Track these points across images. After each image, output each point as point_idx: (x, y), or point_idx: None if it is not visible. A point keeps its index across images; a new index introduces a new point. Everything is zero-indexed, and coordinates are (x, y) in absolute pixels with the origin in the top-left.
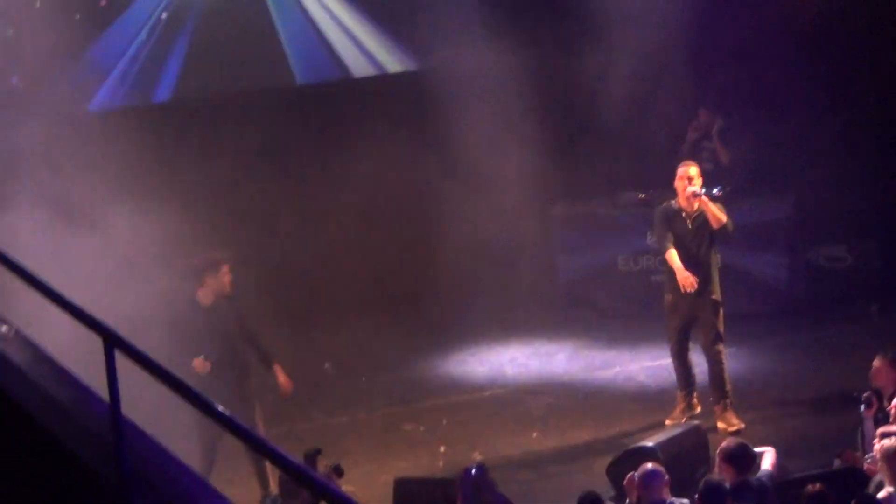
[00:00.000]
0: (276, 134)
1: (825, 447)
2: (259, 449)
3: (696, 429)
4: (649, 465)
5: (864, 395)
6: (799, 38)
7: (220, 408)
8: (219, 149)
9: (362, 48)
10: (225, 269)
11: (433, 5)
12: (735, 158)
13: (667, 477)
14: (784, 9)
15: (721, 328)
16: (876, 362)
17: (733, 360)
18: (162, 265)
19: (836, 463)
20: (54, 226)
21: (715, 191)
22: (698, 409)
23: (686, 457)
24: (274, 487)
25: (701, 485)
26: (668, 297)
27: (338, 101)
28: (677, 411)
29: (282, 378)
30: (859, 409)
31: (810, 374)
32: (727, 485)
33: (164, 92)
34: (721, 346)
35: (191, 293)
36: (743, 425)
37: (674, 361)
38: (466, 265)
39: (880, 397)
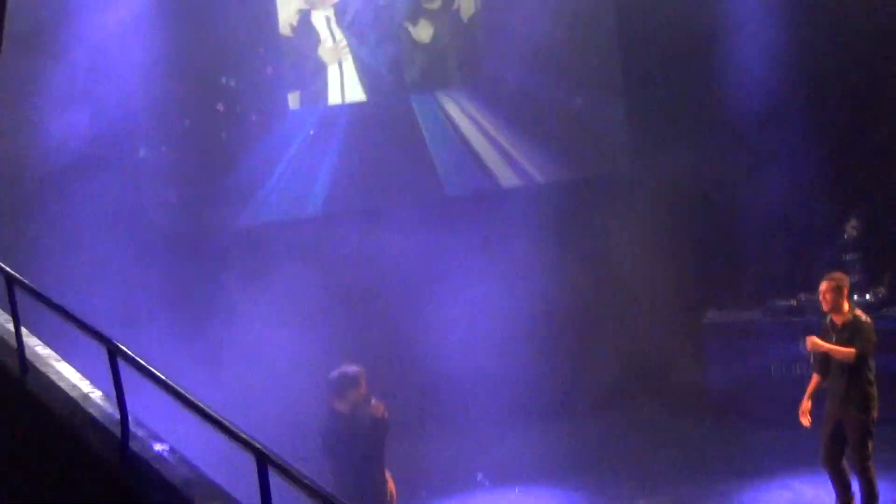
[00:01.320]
0: (427, 243)
1: None
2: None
3: None
4: None
5: None
6: None
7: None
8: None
9: (509, 158)
10: (363, 382)
11: (579, 115)
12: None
13: None
14: None
15: (864, 446)
16: None
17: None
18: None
19: None
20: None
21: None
22: None
23: None
24: None
25: None
26: (826, 405)
27: (485, 210)
28: None
29: (391, 484)
30: None
31: None
32: None
33: (314, 206)
34: (867, 464)
35: (329, 404)
36: None
37: (826, 470)
38: (618, 373)
39: None
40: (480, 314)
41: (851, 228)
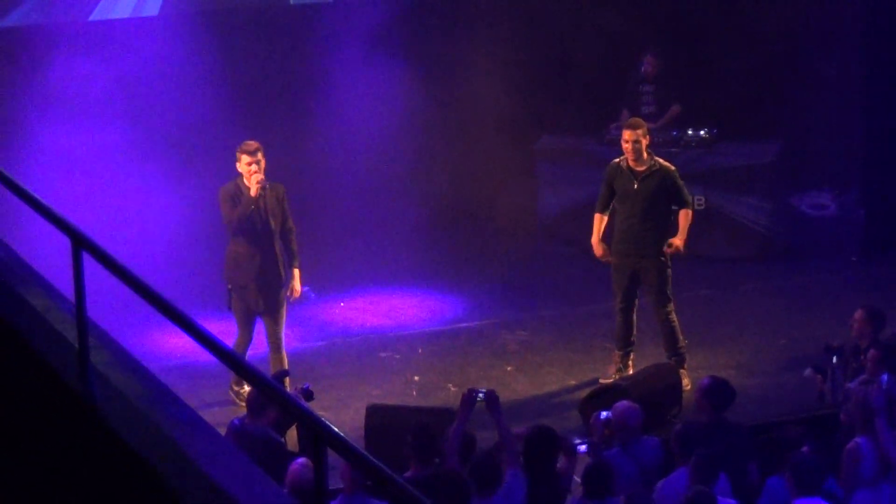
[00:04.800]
0: (266, 53)
1: (798, 395)
2: (232, 364)
3: (669, 368)
4: (624, 403)
5: (834, 344)
6: None
7: (189, 317)
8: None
9: None
10: (243, 158)
11: None
12: (722, 99)
13: (640, 414)
14: None
15: (667, 288)
16: (857, 314)
17: (710, 304)
18: None
19: (807, 371)
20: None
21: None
22: (630, 371)
23: (658, 396)
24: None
25: (676, 427)
26: (612, 259)
27: (328, 21)
28: (611, 370)
29: (297, 283)
30: (831, 360)
31: (785, 321)
32: (703, 421)
33: (152, 5)
34: (669, 307)
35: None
36: (689, 387)
37: (617, 319)
38: (448, 195)
39: (857, 350)
40: (317, 126)
41: (647, 63)
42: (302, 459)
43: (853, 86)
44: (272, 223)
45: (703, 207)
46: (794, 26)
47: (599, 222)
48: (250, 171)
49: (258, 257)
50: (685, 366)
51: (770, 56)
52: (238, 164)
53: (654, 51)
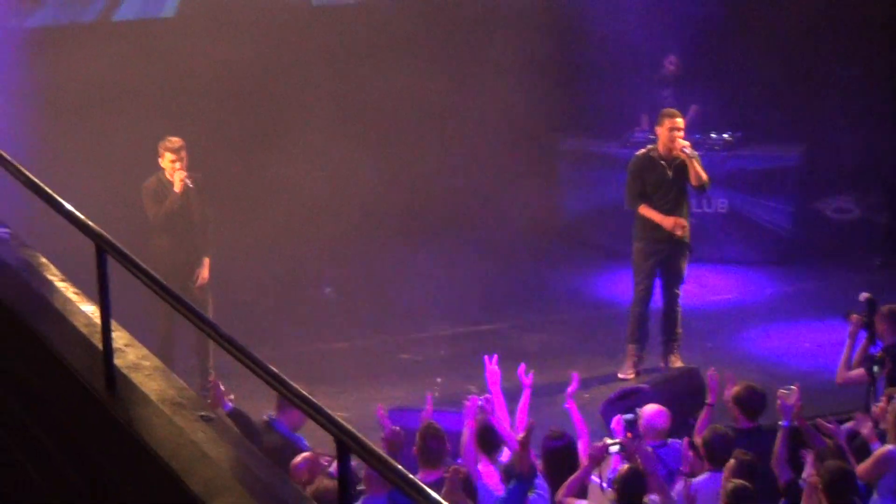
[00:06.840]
0: (288, 53)
1: (827, 396)
2: (266, 375)
3: (692, 372)
4: (652, 407)
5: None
6: None
7: (217, 326)
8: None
9: None
10: (167, 156)
11: None
12: (745, 102)
13: (668, 418)
14: None
15: (685, 271)
16: (878, 314)
17: (733, 308)
18: None
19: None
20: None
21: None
22: (644, 363)
23: (680, 400)
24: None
25: (707, 433)
26: (637, 245)
27: (351, 23)
28: (628, 365)
29: (205, 271)
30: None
31: (809, 325)
32: (738, 427)
33: (169, 6)
34: (680, 289)
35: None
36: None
37: (635, 310)
38: (471, 193)
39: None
40: (341, 125)
41: (669, 62)
42: (305, 455)
43: (877, 88)
44: (195, 217)
45: (725, 211)
46: (818, 27)
47: (650, 210)
48: (174, 167)
49: (182, 251)
50: (679, 352)
51: (794, 58)
52: (160, 160)
53: (675, 52)
